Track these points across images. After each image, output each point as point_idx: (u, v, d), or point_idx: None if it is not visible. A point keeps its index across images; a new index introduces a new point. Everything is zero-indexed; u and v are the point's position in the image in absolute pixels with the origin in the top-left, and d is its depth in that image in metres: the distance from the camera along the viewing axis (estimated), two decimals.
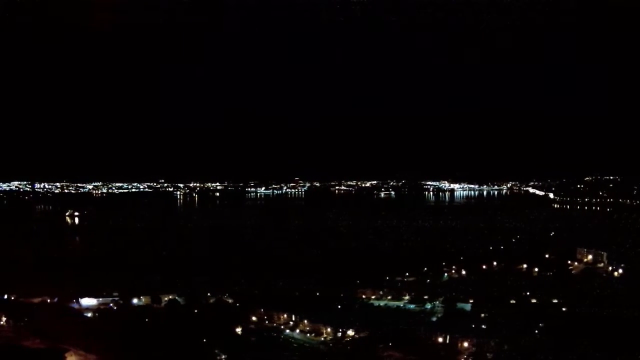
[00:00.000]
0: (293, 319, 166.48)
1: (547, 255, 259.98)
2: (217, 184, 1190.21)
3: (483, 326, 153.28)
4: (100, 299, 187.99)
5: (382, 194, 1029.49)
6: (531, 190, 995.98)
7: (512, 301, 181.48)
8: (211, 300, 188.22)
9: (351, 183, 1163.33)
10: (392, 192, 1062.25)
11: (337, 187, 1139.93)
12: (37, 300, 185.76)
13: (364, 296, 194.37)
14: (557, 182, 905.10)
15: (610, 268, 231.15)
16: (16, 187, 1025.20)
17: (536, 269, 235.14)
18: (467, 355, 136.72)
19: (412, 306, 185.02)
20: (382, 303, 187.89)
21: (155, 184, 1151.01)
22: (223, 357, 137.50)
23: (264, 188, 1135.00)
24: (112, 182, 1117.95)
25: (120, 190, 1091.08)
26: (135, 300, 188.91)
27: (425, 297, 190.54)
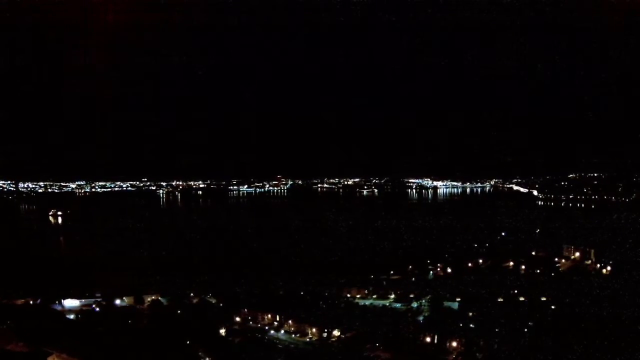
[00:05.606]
0: (277, 319, 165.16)
1: (533, 253, 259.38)
2: (200, 182, 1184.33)
3: (471, 325, 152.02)
4: (83, 300, 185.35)
5: (365, 192, 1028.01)
6: (515, 187, 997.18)
7: (500, 299, 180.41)
8: (194, 301, 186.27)
9: (333, 181, 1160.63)
10: (375, 190, 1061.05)
11: (319, 185, 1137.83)
12: (20, 302, 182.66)
13: (349, 295, 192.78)
14: (541, 179, 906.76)
15: (598, 265, 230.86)
16: (0, 186, 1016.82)
17: (523, 267, 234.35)
18: (456, 355, 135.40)
19: (398, 305, 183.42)
20: (367, 302, 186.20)
21: (138, 183, 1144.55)
22: (207, 358, 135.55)
23: (246, 186, 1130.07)
24: (96, 181, 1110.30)
25: (103, 190, 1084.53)
26: (118, 301, 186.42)
27: (411, 295, 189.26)
